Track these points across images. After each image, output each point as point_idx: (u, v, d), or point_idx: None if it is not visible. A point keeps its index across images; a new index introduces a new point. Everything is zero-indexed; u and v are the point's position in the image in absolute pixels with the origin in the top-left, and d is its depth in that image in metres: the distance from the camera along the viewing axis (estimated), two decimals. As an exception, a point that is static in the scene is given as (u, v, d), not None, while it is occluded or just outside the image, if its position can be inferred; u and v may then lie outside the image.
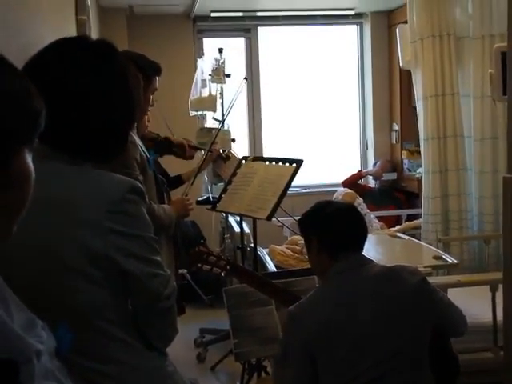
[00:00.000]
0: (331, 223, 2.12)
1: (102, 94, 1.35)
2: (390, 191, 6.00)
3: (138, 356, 1.38)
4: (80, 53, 1.37)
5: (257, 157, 3.58)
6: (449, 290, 2.94)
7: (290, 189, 5.80)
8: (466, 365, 2.77)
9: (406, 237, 3.96)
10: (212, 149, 3.51)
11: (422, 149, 4.34)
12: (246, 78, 3.85)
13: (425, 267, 3.02)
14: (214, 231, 5.06)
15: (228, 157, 3.80)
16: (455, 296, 2.96)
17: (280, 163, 3.32)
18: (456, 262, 3.27)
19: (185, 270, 4.64)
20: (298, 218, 3.62)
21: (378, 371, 1.95)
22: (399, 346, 1.98)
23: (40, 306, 0.98)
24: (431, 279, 3.03)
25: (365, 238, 2.15)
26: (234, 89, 3.88)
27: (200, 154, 3.56)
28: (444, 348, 2.33)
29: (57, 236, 1.27)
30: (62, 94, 1.32)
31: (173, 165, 3.58)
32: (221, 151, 3.86)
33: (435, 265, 3.15)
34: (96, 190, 1.30)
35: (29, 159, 0.82)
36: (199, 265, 2.46)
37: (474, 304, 3.08)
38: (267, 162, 3.36)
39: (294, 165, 3.21)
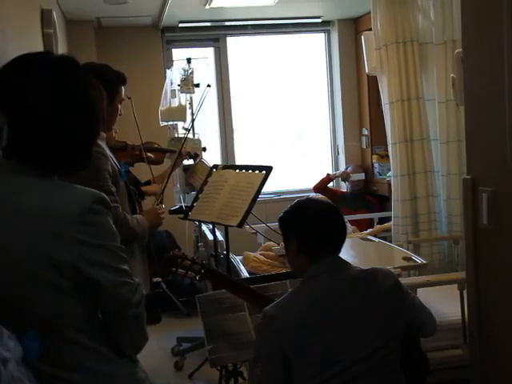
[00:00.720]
0: (312, 225, 2.10)
1: (63, 108, 1.37)
2: (362, 195, 6.08)
3: (109, 363, 1.41)
4: (41, 68, 1.38)
5: (227, 165, 3.62)
6: (418, 289, 3.01)
7: (263, 196, 5.91)
8: (436, 363, 2.85)
9: (377, 239, 4.02)
10: (181, 150, 3.55)
11: (389, 153, 4.42)
12: (208, 85, 3.90)
13: (395, 268, 3.07)
14: (188, 240, 5.08)
15: (197, 154, 3.82)
16: (425, 296, 3.03)
17: (250, 171, 3.35)
18: (425, 262, 3.33)
19: (159, 279, 4.66)
20: (271, 224, 3.70)
21: (352, 372, 1.97)
22: (372, 347, 2.00)
23: (7, 316, 1.00)
24: (402, 280, 3.11)
25: (343, 240, 2.14)
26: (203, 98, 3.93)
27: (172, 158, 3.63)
28: (414, 348, 2.39)
29: (21, 247, 1.28)
30: (24, 110, 1.34)
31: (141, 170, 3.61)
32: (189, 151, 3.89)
33: (405, 266, 3.21)
34: (61, 202, 1.33)
35: None
36: (174, 269, 2.46)
37: (444, 303, 3.15)
38: (237, 170, 3.39)
39: (264, 172, 3.25)
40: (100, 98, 1.55)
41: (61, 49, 4.34)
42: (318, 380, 1.97)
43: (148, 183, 3.49)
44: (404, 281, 3.11)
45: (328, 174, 6.14)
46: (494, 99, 1.98)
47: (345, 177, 6.13)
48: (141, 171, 3.55)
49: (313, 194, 5.49)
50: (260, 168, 3.31)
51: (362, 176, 6.07)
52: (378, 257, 3.67)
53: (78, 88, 1.42)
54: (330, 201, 5.12)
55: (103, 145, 2.62)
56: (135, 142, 3.55)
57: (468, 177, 2.11)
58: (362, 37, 4.62)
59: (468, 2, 2.10)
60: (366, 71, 4.67)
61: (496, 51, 1.91)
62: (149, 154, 3.53)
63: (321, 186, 5.95)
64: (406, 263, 3.26)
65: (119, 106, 2.82)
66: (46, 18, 3.71)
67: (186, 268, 2.44)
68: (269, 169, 3.26)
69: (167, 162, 3.91)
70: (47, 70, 1.39)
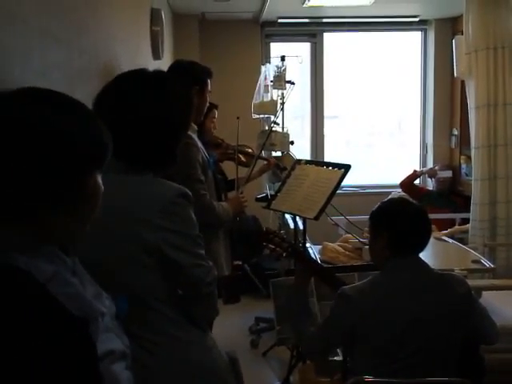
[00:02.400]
0: (405, 224, 2.22)
1: (151, 117, 1.67)
2: (448, 195, 6.10)
3: (184, 330, 1.68)
4: (136, 84, 1.69)
5: (309, 160, 3.83)
6: (484, 292, 3.13)
7: (348, 188, 6.07)
8: (492, 364, 2.95)
9: (451, 240, 4.11)
10: (268, 159, 3.83)
11: (472, 156, 4.48)
12: (293, 83, 4.11)
13: (461, 270, 3.20)
14: (271, 226, 5.36)
15: (285, 168, 4.04)
16: (492, 298, 3.15)
17: (330, 167, 3.57)
18: (493, 266, 3.43)
19: (240, 262, 4.96)
20: (352, 217, 3.88)
21: (405, 364, 2.15)
22: (432, 346, 2.17)
23: (105, 284, 1.30)
24: (468, 281, 3.24)
25: (427, 242, 2.26)
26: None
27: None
28: (473, 350, 2.50)
29: (122, 230, 1.58)
30: (124, 118, 1.65)
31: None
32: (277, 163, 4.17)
33: (471, 268, 3.32)
34: (152, 195, 1.62)
35: (99, 179, 1.12)
36: (264, 243, 2.62)
37: (509, 307, 3.25)
38: (318, 166, 3.61)
39: (343, 170, 3.46)
40: (189, 106, 1.83)
41: (166, 42, 4.70)
42: (376, 362, 2.17)
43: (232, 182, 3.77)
44: (470, 283, 3.25)
45: (415, 171, 6.19)
46: None
47: (431, 174, 6.17)
48: (228, 169, 3.87)
49: (396, 191, 5.61)
50: (339, 166, 3.51)
51: (449, 173, 6.07)
52: (447, 257, 3.77)
53: (168, 97, 1.71)
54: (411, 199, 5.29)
55: (194, 137, 2.93)
56: (232, 141, 3.85)
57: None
58: (454, 40, 4.68)
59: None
60: (455, 75, 4.73)
61: None
62: (240, 156, 3.84)
63: (407, 183, 6.01)
64: (473, 266, 3.36)
65: (207, 97, 3.10)
66: (154, 16, 4.07)
67: (276, 244, 2.60)
68: (347, 167, 3.46)
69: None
70: (146, 82, 1.70)
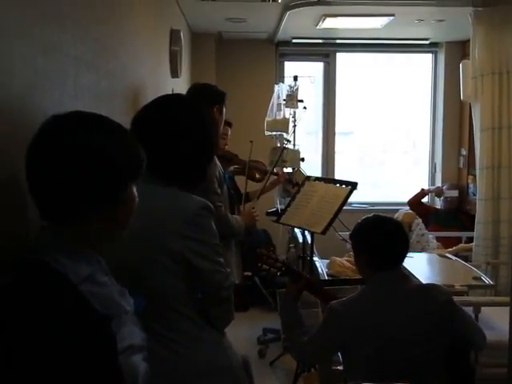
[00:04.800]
0: (381, 243, 2.41)
1: (188, 138, 1.85)
2: (456, 213, 6.21)
3: (202, 330, 1.82)
4: (173, 108, 1.88)
5: (318, 177, 4.00)
6: (483, 308, 3.27)
7: (357, 205, 6.20)
8: (491, 379, 3.06)
9: (454, 257, 4.24)
10: (279, 173, 4.01)
11: (477, 177, 4.63)
12: (305, 108, 4.30)
13: (461, 286, 3.35)
14: (281, 240, 5.52)
15: (297, 183, 4.19)
16: (492, 314, 3.28)
17: (337, 184, 3.73)
18: (492, 283, 3.56)
19: (250, 273, 5.12)
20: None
21: (395, 369, 2.29)
22: (417, 354, 2.31)
23: (129, 285, 1.46)
24: (468, 298, 3.38)
25: (405, 256, 2.45)
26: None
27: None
28: (463, 360, 2.63)
29: (148, 236, 1.74)
30: (163, 139, 1.82)
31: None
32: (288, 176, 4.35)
33: (470, 284, 3.45)
34: (177, 206, 1.77)
35: (134, 190, 1.31)
36: (259, 264, 2.81)
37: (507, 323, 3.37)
38: (326, 183, 3.78)
39: (349, 187, 3.62)
40: (216, 129, 2.02)
41: (184, 60, 4.90)
42: (369, 369, 2.33)
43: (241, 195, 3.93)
44: (471, 299, 3.39)
45: (422, 189, 6.33)
46: None
47: (438, 192, 6.31)
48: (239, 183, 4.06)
49: (404, 209, 5.76)
50: (346, 183, 3.68)
51: (455, 193, 6.21)
52: (448, 274, 3.91)
53: (203, 120, 1.90)
54: (418, 216, 5.43)
55: None
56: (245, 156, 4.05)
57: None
58: (461, 64, 4.84)
59: None
60: (462, 98, 4.89)
61: None
62: (252, 171, 4.02)
63: (415, 201, 6.14)
64: (474, 282, 3.50)
65: (223, 113, 3.31)
66: (174, 36, 4.27)
67: (269, 265, 2.79)
68: (354, 184, 3.62)
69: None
70: (182, 105, 1.89)
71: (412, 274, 3.54)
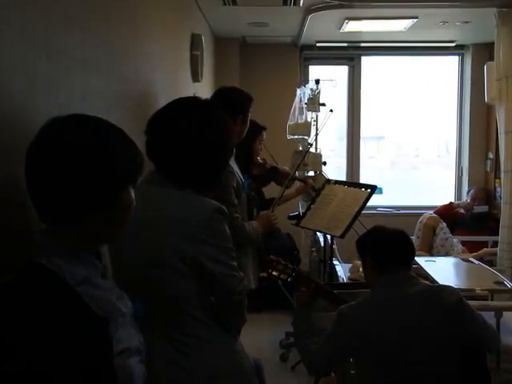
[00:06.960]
0: (385, 245, 2.49)
1: (201, 138, 1.84)
2: (483, 219, 6.12)
3: (214, 334, 1.82)
4: (187, 108, 1.88)
5: (338, 181, 3.98)
6: (505, 313, 3.22)
7: (383, 209, 6.15)
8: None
9: (477, 262, 4.18)
10: (307, 181, 4.02)
11: (502, 180, 4.55)
12: (331, 110, 4.28)
13: (482, 290, 3.30)
14: (304, 243, 5.51)
15: (319, 191, 4.18)
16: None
17: (357, 188, 3.71)
18: (514, 287, 3.51)
19: (265, 274, 5.10)
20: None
21: (407, 372, 2.29)
22: (424, 357, 2.29)
23: (141, 285, 1.46)
24: (490, 302, 3.33)
25: (412, 258, 2.51)
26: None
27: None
28: (479, 363, 2.59)
29: (160, 240, 1.73)
30: (176, 140, 1.82)
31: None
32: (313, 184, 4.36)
33: (492, 289, 3.40)
34: (191, 210, 1.77)
35: (132, 193, 1.31)
36: (269, 270, 2.82)
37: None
38: (346, 186, 3.76)
39: (369, 190, 3.60)
40: (231, 133, 2.00)
41: (207, 65, 4.93)
42: (379, 373, 2.32)
43: (271, 200, 3.92)
44: (492, 303, 3.34)
45: (451, 203, 6.24)
46: None
47: (468, 208, 6.20)
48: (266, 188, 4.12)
49: (430, 212, 5.69)
50: (366, 186, 3.66)
51: (485, 208, 6.13)
52: (470, 278, 3.85)
53: (219, 124, 1.89)
54: (442, 220, 5.36)
55: (231, 161, 3.09)
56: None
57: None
58: (485, 66, 4.78)
59: None
60: (486, 100, 4.82)
61: None
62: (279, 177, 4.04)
63: (441, 212, 6.04)
64: (495, 287, 3.45)
65: (248, 120, 3.30)
66: (195, 41, 4.31)
67: (279, 271, 2.78)
68: (373, 187, 3.60)
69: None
70: (198, 109, 1.88)
71: (432, 276, 3.52)
